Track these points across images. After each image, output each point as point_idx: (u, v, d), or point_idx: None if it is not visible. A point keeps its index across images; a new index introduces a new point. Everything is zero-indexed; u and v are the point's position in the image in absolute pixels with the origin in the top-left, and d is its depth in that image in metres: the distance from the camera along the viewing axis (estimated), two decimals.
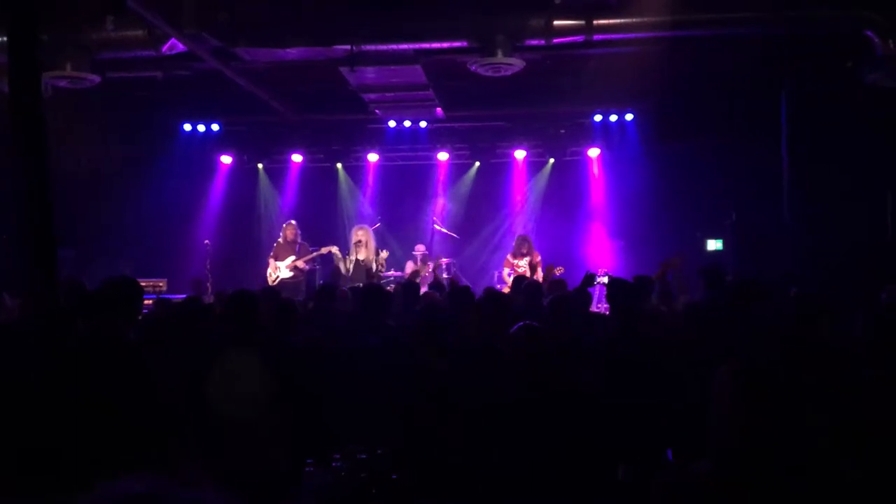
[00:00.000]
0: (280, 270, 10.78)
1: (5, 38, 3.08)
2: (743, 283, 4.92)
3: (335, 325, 5.43)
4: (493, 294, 5.84)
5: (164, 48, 8.35)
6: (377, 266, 10.29)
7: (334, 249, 10.78)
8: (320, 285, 6.90)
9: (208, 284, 11.08)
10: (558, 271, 10.13)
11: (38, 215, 2.69)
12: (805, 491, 1.93)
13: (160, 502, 0.70)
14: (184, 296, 6.92)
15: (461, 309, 5.43)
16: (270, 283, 10.58)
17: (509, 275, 10.51)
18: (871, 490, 2.03)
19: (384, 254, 10.52)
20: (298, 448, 3.01)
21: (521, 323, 3.64)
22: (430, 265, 10.96)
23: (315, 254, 10.92)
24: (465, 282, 11.50)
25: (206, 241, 11.84)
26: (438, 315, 4.71)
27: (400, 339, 4.53)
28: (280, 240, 11.08)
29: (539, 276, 10.12)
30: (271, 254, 11.08)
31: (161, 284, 11.10)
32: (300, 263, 10.76)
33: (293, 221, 11.26)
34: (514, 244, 10.96)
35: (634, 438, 3.35)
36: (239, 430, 3.18)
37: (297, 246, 10.89)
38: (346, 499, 2.61)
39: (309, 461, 2.72)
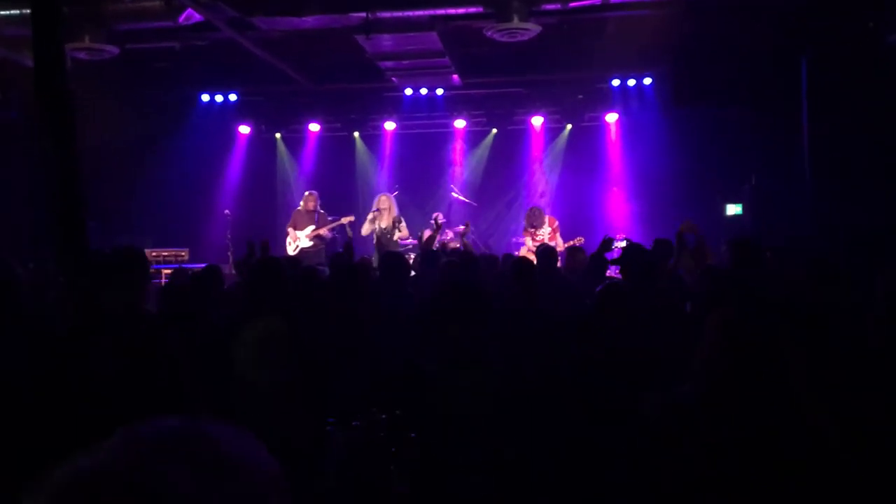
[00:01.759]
0: (300, 240, 10.85)
1: (27, 11, 3.13)
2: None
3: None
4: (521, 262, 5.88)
5: (181, 18, 8.38)
6: (398, 233, 10.33)
7: (352, 219, 10.86)
8: (335, 254, 6.97)
9: (229, 253, 11.21)
10: (578, 241, 10.16)
11: (67, 189, 2.75)
12: (776, 423, 2.05)
13: (194, 437, 0.74)
14: (204, 265, 7.01)
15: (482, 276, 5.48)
16: (291, 252, 10.65)
17: (530, 242, 10.48)
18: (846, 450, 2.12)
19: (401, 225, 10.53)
20: (320, 410, 3.09)
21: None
22: (449, 232, 10.98)
23: (336, 223, 10.97)
24: (482, 249, 11.56)
25: (227, 211, 11.95)
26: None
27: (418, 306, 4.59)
28: (300, 208, 11.12)
29: (558, 241, 10.15)
30: (289, 223, 11.14)
31: (183, 254, 11.25)
32: (323, 231, 10.81)
33: (314, 192, 11.30)
34: (525, 218, 10.89)
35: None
36: (264, 395, 3.26)
37: (317, 215, 10.94)
38: (366, 457, 2.69)
39: (330, 420, 2.79)
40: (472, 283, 3.96)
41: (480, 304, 3.46)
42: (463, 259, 6.37)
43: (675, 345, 3.80)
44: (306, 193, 11.27)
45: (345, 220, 10.95)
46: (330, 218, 11.05)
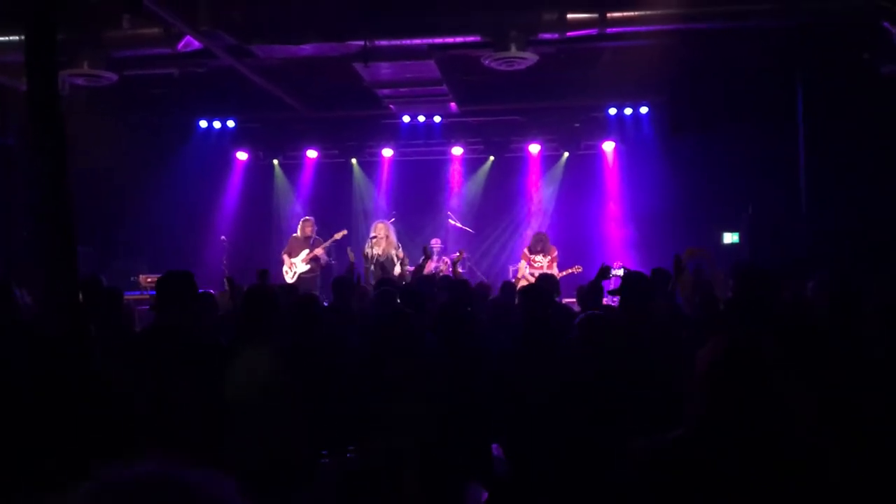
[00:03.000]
0: (297, 266, 10.79)
1: (22, 37, 3.12)
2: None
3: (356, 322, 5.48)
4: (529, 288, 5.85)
5: (180, 46, 8.41)
6: (399, 260, 10.27)
7: (345, 232, 10.83)
8: (335, 279, 6.95)
9: (225, 280, 11.14)
10: (576, 270, 10.15)
11: (58, 212, 2.73)
12: (775, 462, 1.98)
13: (169, 486, 0.72)
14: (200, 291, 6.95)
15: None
16: (289, 279, 10.59)
17: (526, 268, 10.47)
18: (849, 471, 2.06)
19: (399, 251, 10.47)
20: (314, 440, 3.05)
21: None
22: (446, 259, 10.96)
23: (329, 241, 10.90)
24: (479, 277, 11.54)
25: (223, 237, 11.92)
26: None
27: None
28: (296, 234, 11.07)
29: (555, 271, 10.13)
30: (285, 250, 11.08)
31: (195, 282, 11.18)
32: (318, 252, 10.73)
33: (310, 217, 11.28)
34: (530, 240, 10.91)
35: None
36: (255, 424, 3.21)
37: (312, 240, 10.89)
38: (360, 489, 2.65)
39: (324, 452, 2.75)
40: (404, 314, 3.92)
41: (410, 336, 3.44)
42: (451, 286, 6.34)
43: (670, 375, 3.76)
44: (303, 219, 11.23)
45: (337, 236, 10.92)
46: (324, 241, 11.01)
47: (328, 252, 11.04)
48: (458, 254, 8.96)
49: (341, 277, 6.83)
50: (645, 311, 4.52)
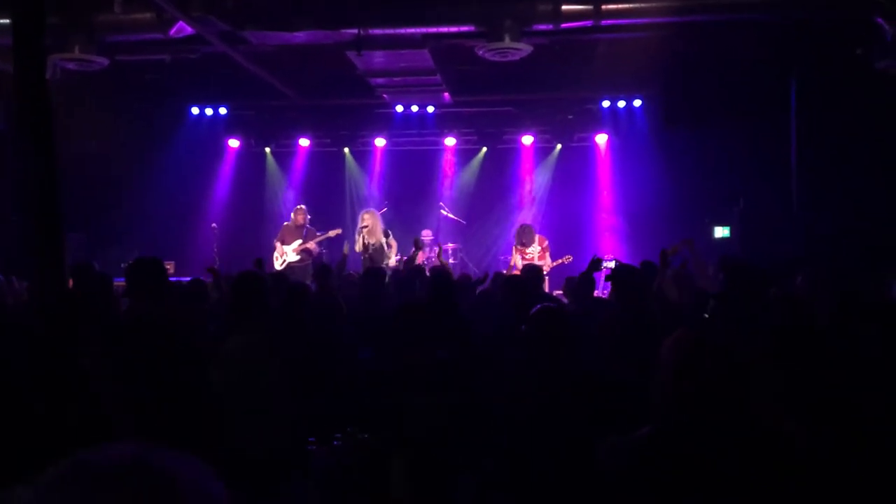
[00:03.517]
0: (287, 255, 10.80)
1: (10, 20, 3.10)
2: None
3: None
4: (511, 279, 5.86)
5: (172, 31, 8.35)
6: (388, 248, 10.27)
7: (337, 232, 10.83)
8: (316, 266, 6.96)
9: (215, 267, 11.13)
10: (566, 260, 10.17)
11: (45, 199, 2.71)
12: (740, 453, 1.98)
13: (143, 467, 0.72)
14: (189, 278, 6.96)
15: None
16: (278, 266, 10.59)
17: (521, 259, 10.47)
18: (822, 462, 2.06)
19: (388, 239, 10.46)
20: (301, 429, 3.05)
21: (540, 305, 3.61)
22: (436, 250, 10.95)
23: (323, 236, 10.93)
24: (472, 268, 11.55)
25: (214, 225, 11.89)
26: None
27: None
28: (289, 223, 11.08)
29: (547, 261, 10.14)
30: (277, 238, 11.09)
31: (169, 267, 11.16)
32: (310, 245, 10.76)
33: (303, 206, 11.27)
34: (515, 235, 10.88)
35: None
36: (241, 411, 3.20)
37: (305, 230, 10.90)
38: (347, 477, 2.65)
39: (311, 440, 2.75)
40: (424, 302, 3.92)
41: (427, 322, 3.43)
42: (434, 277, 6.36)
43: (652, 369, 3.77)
44: (296, 208, 11.23)
45: (332, 234, 10.92)
46: (318, 233, 11.01)
47: (320, 244, 11.04)
48: (437, 248, 8.94)
49: (322, 265, 6.85)
50: (636, 303, 4.53)
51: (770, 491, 1.93)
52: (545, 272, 9.06)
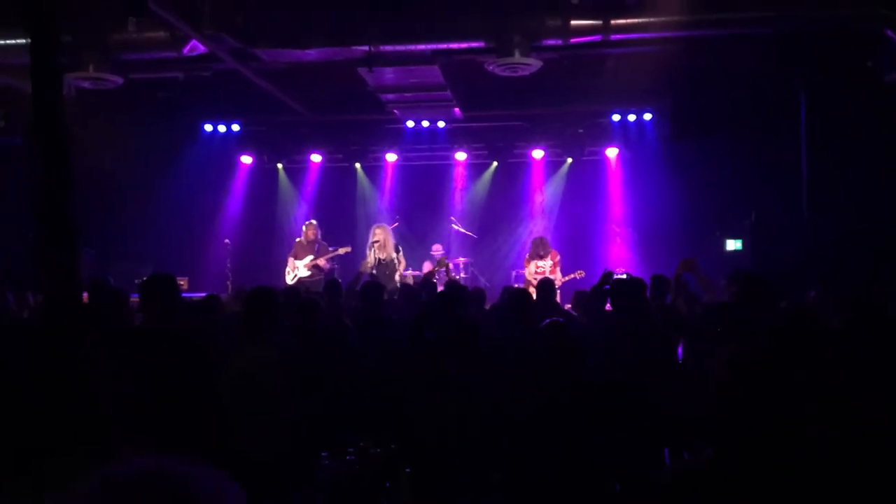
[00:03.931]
0: (298, 269, 10.84)
1: (27, 40, 3.15)
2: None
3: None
4: (516, 291, 5.88)
5: (185, 49, 8.45)
6: (398, 263, 10.31)
7: (347, 250, 10.89)
8: (329, 281, 7.02)
9: (228, 283, 11.21)
10: (579, 275, 10.17)
11: (61, 214, 2.76)
12: (803, 475, 1.95)
13: (166, 479, 0.74)
14: (204, 294, 7.01)
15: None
16: (289, 281, 10.63)
17: (530, 274, 10.50)
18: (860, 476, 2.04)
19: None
20: (312, 441, 3.07)
21: (549, 319, 3.64)
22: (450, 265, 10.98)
23: (333, 253, 10.97)
24: (483, 282, 11.56)
25: (227, 241, 11.96)
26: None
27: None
28: (301, 239, 11.14)
29: (558, 275, 10.15)
30: (290, 253, 11.14)
31: (182, 282, 11.23)
32: (321, 262, 10.81)
33: (314, 221, 11.32)
34: (531, 246, 10.94)
35: (631, 437, 3.36)
36: (253, 424, 3.23)
37: (317, 245, 10.94)
38: (359, 491, 2.66)
39: (324, 454, 2.77)
40: (463, 315, 3.95)
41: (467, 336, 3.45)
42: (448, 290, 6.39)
43: (661, 379, 3.77)
44: (307, 223, 11.28)
45: (342, 251, 10.96)
46: (330, 249, 11.05)
47: (332, 260, 11.09)
48: (440, 262, 8.93)
49: (331, 280, 6.91)
50: (635, 315, 4.53)
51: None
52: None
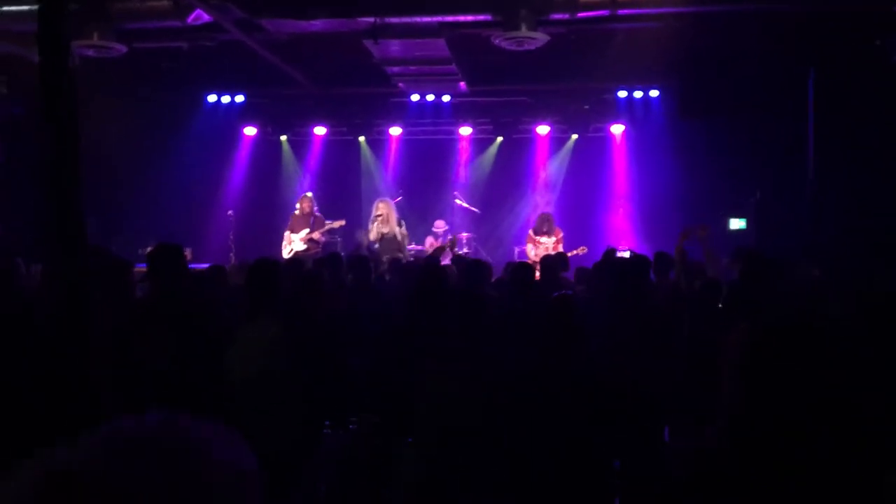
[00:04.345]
0: (294, 243, 10.82)
1: (35, 7, 3.12)
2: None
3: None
4: (519, 265, 5.88)
5: (190, 19, 8.39)
6: (401, 238, 10.31)
7: (342, 223, 10.87)
8: (330, 254, 7.01)
9: (231, 254, 11.22)
10: (581, 251, 10.16)
11: (68, 184, 2.75)
12: (813, 457, 1.93)
13: (174, 434, 0.74)
14: (207, 265, 7.01)
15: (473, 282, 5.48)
16: (285, 255, 10.62)
17: (532, 250, 10.52)
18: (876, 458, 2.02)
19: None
20: (316, 412, 3.08)
21: (558, 293, 3.65)
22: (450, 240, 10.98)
23: (328, 227, 10.94)
24: (484, 258, 11.56)
25: (230, 212, 11.95)
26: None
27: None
28: (296, 212, 11.09)
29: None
30: (287, 226, 11.10)
31: (186, 254, 11.22)
32: (315, 236, 10.78)
33: (309, 194, 11.27)
34: (535, 221, 10.95)
35: (630, 415, 3.37)
36: (257, 396, 3.25)
37: (312, 219, 10.88)
38: (361, 460, 2.68)
39: (327, 423, 2.79)
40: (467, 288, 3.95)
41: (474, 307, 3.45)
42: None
43: (663, 359, 3.78)
44: (302, 196, 11.21)
45: (336, 224, 10.95)
46: (326, 222, 11.03)
47: (333, 233, 11.07)
48: (451, 241, 8.86)
49: (332, 254, 6.91)
50: (635, 293, 4.53)
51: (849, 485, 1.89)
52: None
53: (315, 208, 11.03)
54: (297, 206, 11.11)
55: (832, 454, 1.92)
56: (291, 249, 10.75)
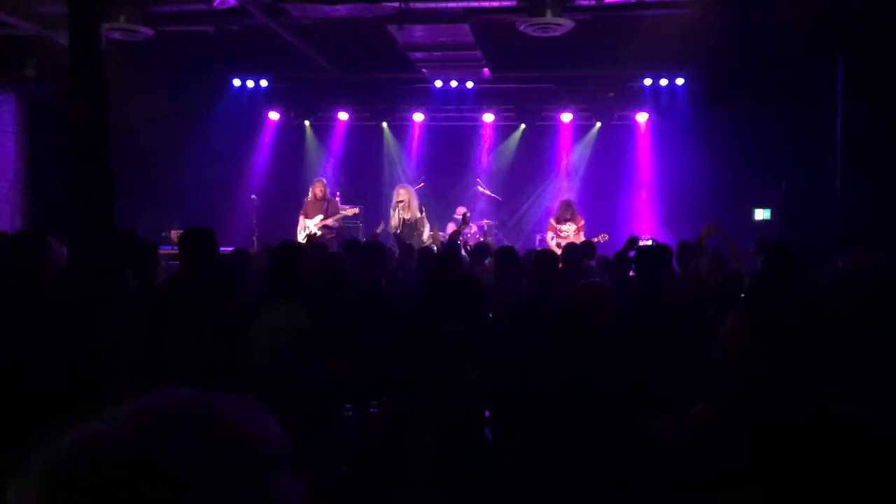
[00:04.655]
0: (309, 228, 10.82)
1: None
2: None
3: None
4: (541, 252, 5.88)
5: (216, 3, 8.44)
6: (424, 224, 10.31)
7: (356, 210, 10.89)
8: (347, 240, 7.05)
9: (254, 238, 11.29)
10: (602, 238, 10.11)
11: (97, 166, 2.79)
12: (797, 435, 1.95)
13: (205, 407, 0.76)
14: (231, 248, 7.07)
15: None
16: (301, 240, 10.64)
17: (552, 238, 10.50)
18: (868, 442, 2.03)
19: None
20: (336, 395, 3.11)
21: (588, 280, 3.66)
22: (472, 227, 10.98)
23: (342, 214, 10.95)
24: (505, 242, 11.55)
25: (253, 196, 12.02)
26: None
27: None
28: (309, 197, 11.09)
29: (581, 240, 10.10)
30: (301, 211, 11.11)
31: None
32: (329, 222, 10.78)
33: (322, 179, 11.27)
34: (558, 209, 10.91)
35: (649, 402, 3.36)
36: (279, 374, 3.28)
37: (326, 203, 10.87)
38: (379, 443, 2.71)
39: (348, 406, 2.81)
40: (465, 276, 3.97)
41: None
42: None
43: (684, 345, 3.76)
44: (315, 181, 11.19)
45: (349, 212, 10.97)
46: (341, 206, 11.03)
47: (355, 218, 11.09)
48: (464, 217, 8.71)
49: (350, 240, 6.94)
50: (657, 280, 4.52)
51: (825, 472, 1.91)
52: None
53: (328, 193, 11.02)
54: (311, 191, 11.11)
55: (810, 444, 1.94)
56: (306, 235, 10.74)
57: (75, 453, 0.70)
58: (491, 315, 4.51)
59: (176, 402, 0.76)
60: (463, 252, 7.57)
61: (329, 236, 10.61)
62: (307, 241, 10.48)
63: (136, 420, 0.73)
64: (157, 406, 0.75)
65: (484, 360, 3.53)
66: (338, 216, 10.89)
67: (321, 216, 10.76)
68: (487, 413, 3.63)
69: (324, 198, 10.88)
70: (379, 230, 9.16)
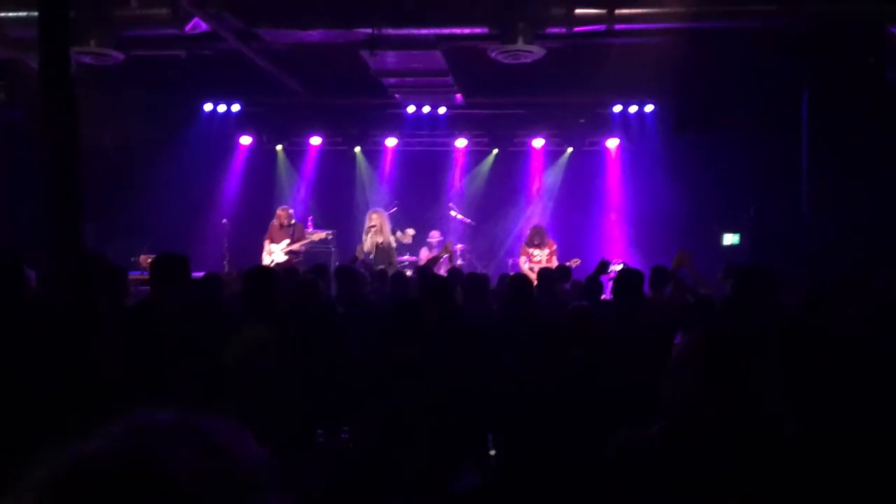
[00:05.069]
0: (275, 254, 10.79)
1: (33, 13, 3.15)
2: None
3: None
4: (516, 277, 5.90)
5: (188, 27, 8.42)
6: (395, 248, 10.33)
7: (324, 235, 10.87)
8: (339, 268, 7.05)
9: (225, 263, 11.20)
10: (574, 263, 10.18)
11: (66, 191, 2.76)
12: (749, 452, 2.01)
13: (190, 427, 0.76)
14: (201, 273, 7.01)
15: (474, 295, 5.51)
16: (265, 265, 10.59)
17: (525, 262, 10.55)
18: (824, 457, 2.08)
19: (410, 231, 10.56)
20: (309, 419, 3.09)
21: (576, 304, 3.69)
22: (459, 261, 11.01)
23: (308, 239, 10.95)
24: (479, 270, 11.59)
25: (224, 220, 11.95)
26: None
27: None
28: (274, 222, 11.05)
29: (553, 264, 10.16)
30: (266, 236, 11.08)
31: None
32: (296, 247, 10.77)
33: (286, 207, 11.29)
34: (528, 234, 11.00)
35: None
36: (251, 398, 3.25)
37: (292, 229, 10.88)
38: (353, 468, 2.69)
39: (319, 431, 2.79)
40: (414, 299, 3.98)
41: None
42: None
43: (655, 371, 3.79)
44: (279, 209, 11.18)
45: (317, 237, 10.97)
46: (307, 231, 11.02)
47: (326, 242, 11.07)
48: (445, 247, 8.90)
49: (346, 267, 6.91)
50: (635, 304, 4.57)
51: (775, 487, 1.96)
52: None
53: (292, 218, 11.01)
54: (275, 217, 11.07)
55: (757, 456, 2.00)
56: (272, 261, 10.69)
57: (72, 471, 0.71)
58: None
59: (163, 422, 0.77)
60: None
61: (295, 261, 10.56)
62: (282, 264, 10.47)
63: (131, 436, 0.74)
64: (147, 424, 0.76)
65: (456, 384, 3.53)
66: (304, 241, 10.87)
67: (288, 240, 10.73)
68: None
69: (289, 224, 10.87)
70: (360, 256, 9.16)
